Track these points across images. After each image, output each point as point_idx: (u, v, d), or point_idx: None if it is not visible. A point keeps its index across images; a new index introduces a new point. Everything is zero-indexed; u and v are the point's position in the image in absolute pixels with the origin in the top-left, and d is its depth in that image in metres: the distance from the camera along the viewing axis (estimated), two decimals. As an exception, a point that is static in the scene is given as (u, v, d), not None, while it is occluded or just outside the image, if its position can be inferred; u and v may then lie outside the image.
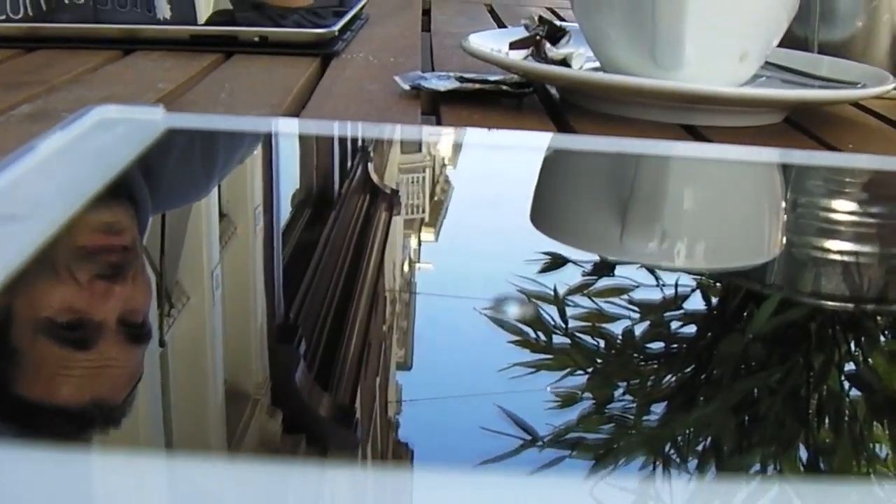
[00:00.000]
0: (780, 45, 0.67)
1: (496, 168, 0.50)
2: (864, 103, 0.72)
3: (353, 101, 0.65)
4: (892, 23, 0.74)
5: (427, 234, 0.39)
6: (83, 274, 0.31)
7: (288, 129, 0.49)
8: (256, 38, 0.81)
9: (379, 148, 0.48)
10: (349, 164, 0.48)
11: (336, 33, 0.83)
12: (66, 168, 0.38)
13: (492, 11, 1.20)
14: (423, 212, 0.41)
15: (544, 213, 0.43)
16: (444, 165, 0.47)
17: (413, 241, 0.38)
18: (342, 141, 0.51)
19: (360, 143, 0.50)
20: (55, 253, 0.30)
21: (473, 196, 0.46)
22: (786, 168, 0.51)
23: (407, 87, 0.66)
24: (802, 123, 0.65)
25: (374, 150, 0.48)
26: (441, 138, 0.54)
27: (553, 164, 0.49)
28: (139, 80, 0.69)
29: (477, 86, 0.66)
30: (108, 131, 0.43)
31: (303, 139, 0.49)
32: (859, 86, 0.64)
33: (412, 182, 0.44)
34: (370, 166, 0.45)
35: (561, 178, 0.47)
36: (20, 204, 0.34)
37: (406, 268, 0.35)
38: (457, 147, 0.52)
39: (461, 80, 0.66)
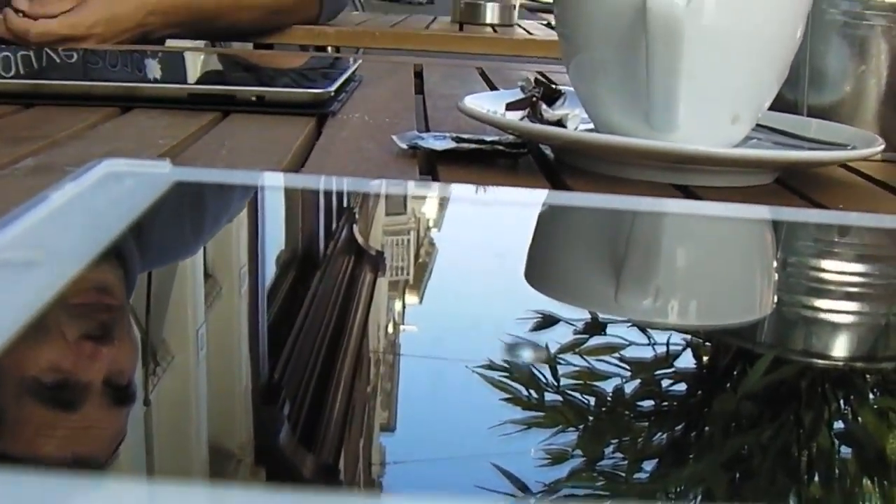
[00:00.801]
0: (771, 108, 0.68)
1: (483, 226, 0.50)
2: (853, 165, 0.74)
3: (351, 160, 0.66)
4: (880, 87, 0.76)
5: (412, 297, 0.39)
6: (73, 332, 0.31)
7: (292, 183, 0.50)
8: (254, 98, 0.82)
9: (364, 209, 0.49)
10: (345, 217, 0.49)
11: (332, 93, 0.84)
12: (79, 218, 0.39)
13: (483, 74, 1.22)
14: (408, 274, 0.41)
15: (536, 271, 0.43)
16: (428, 227, 0.47)
17: (398, 304, 0.38)
18: (339, 196, 0.52)
19: (346, 202, 0.50)
20: (54, 306, 0.31)
21: (460, 256, 0.47)
22: (777, 225, 0.51)
23: (404, 146, 0.67)
24: (792, 184, 0.66)
25: (359, 212, 0.49)
26: (430, 194, 0.55)
27: (544, 220, 0.50)
28: (139, 137, 0.70)
29: (473, 145, 0.67)
30: (117, 183, 0.44)
31: (305, 194, 0.49)
32: (849, 147, 0.65)
33: (397, 244, 0.44)
34: (355, 228, 0.45)
35: (552, 236, 0.48)
36: (36, 251, 0.34)
37: (391, 329, 0.35)
38: (444, 203, 0.53)
39: (458, 140, 0.67)
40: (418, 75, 1.17)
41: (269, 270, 0.41)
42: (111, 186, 0.43)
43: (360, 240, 0.44)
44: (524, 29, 2.16)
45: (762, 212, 0.52)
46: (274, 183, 0.50)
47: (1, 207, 0.47)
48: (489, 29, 2.11)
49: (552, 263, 0.44)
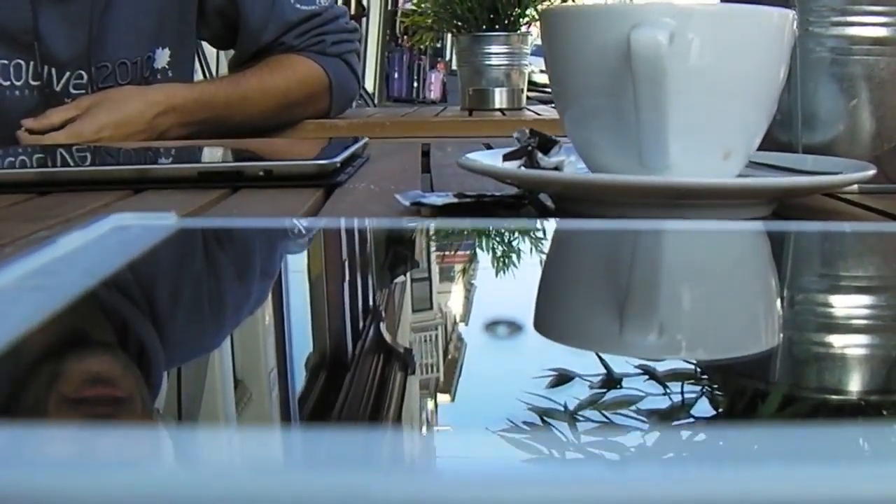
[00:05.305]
0: (767, 151, 0.69)
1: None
2: (854, 199, 0.75)
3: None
4: (872, 121, 0.77)
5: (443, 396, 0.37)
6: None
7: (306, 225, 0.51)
8: (261, 172, 0.84)
9: (391, 308, 0.48)
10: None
11: (338, 165, 0.86)
12: (84, 255, 0.41)
13: (488, 147, 1.24)
14: (438, 371, 0.39)
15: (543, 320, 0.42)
16: (455, 322, 0.47)
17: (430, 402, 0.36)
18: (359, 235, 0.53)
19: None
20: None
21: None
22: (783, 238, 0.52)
23: (407, 203, 0.69)
24: (792, 217, 0.67)
25: (385, 310, 0.47)
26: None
27: (550, 254, 0.51)
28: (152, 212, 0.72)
29: (474, 199, 0.68)
30: (124, 231, 0.45)
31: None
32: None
33: (424, 340, 0.43)
34: (382, 326, 0.44)
35: (554, 270, 0.48)
36: (44, 279, 0.36)
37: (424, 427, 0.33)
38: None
39: (459, 195, 0.69)
40: (426, 154, 1.19)
41: (299, 372, 0.39)
42: (118, 233, 0.45)
43: (387, 338, 0.43)
44: (532, 111, 2.19)
45: (769, 225, 0.53)
46: (286, 226, 0.51)
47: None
48: (498, 113, 2.14)
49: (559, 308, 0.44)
